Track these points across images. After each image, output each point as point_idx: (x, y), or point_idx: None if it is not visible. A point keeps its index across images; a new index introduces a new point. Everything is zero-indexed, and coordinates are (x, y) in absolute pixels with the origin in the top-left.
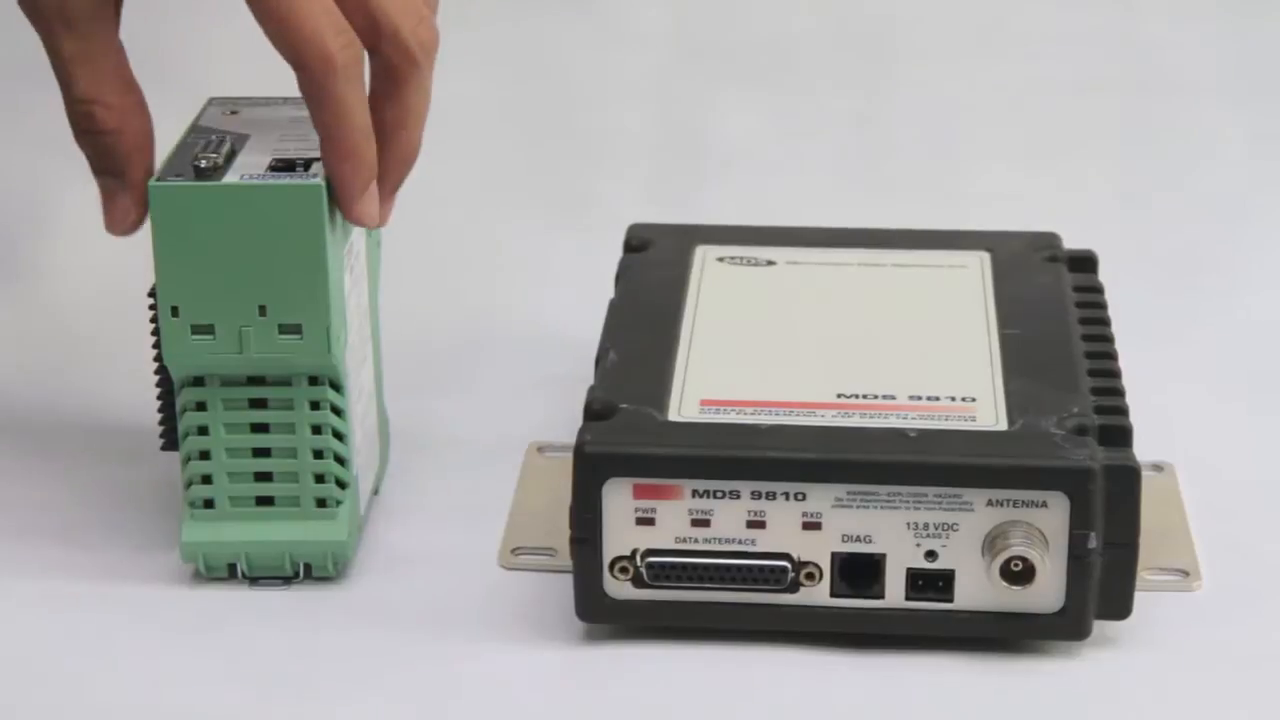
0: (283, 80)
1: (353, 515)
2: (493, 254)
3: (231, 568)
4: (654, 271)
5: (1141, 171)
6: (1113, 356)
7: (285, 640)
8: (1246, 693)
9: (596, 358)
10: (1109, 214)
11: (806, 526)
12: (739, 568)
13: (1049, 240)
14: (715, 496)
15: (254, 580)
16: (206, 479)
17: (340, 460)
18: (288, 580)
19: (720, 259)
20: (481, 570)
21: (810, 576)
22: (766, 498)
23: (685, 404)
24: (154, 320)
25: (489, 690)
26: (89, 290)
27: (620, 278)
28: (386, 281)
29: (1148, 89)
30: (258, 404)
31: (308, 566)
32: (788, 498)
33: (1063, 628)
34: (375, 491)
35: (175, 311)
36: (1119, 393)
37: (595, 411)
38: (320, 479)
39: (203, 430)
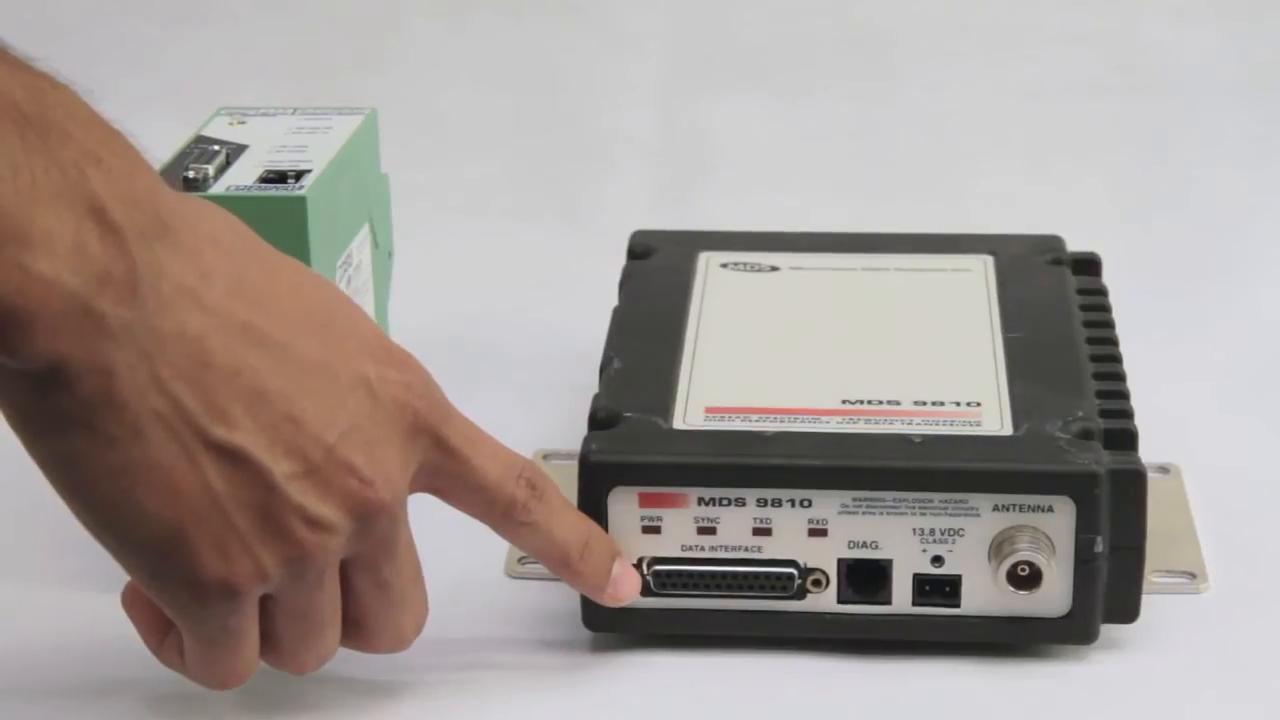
0: (295, 91)
1: None
2: (496, 261)
3: None
4: (657, 278)
5: (1144, 173)
6: (1117, 359)
7: None
8: (1254, 695)
9: (601, 365)
10: (1112, 216)
11: (813, 533)
12: (745, 575)
13: (1052, 243)
14: (721, 504)
15: None
16: None
17: None
18: None
19: (723, 265)
20: (487, 579)
21: (817, 583)
22: (772, 505)
23: (690, 412)
24: None
25: (495, 699)
26: None
27: (623, 285)
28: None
29: (1150, 91)
30: None
31: None
32: (793, 504)
33: (1070, 631)
34: None
35: None
36: (1124, 395)
37: (600, 420)
38: None
39: None
